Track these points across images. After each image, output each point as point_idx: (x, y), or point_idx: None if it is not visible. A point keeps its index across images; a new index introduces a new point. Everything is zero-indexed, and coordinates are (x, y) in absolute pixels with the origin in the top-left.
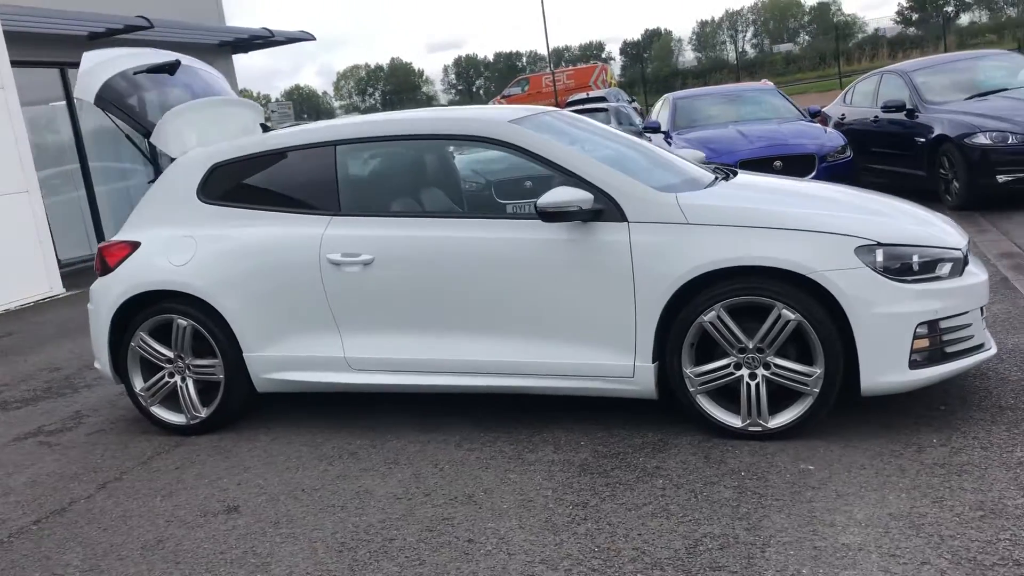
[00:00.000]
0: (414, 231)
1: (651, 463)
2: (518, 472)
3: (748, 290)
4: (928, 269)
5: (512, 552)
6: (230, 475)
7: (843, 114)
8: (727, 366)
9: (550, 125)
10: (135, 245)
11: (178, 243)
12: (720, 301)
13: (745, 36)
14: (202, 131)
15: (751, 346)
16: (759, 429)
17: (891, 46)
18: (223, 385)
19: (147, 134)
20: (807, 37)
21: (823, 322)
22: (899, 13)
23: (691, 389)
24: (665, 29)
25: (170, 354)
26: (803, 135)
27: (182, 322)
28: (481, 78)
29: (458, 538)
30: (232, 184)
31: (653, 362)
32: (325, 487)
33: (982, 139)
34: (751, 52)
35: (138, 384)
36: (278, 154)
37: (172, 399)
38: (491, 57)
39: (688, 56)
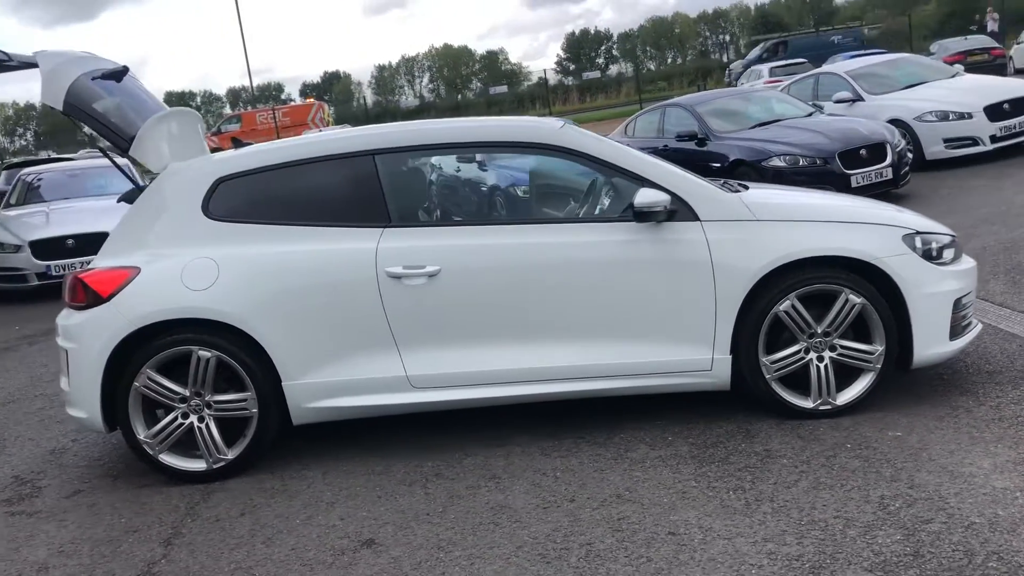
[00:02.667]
0: (484, 239)
1: (756, 448)
2: (640, 469)
3: (818, 279)
4: (941, 254)
5: (727, 536)
6: (326, 512)
7: (627, 145)
8: (798, 351)
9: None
10: (134, 270)
11: (194, 266)
12: (794, 291)
13: (422, 81)
14: (172, 144)
15: (819, 331)
16: (829, 407)
17: (579, 91)
18: (256, 420)
19: (124, 147)
20: (479, 84)
21: (882, 304)
22: (558, 63)
23: (767, 376)
24: (344, 72)
25: (184, 392)
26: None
27: (204, 354)
28: None
29: (657, 534)
30: (246, 199)
31: (730, 354)
32: (450, 507)
33: (777, 162)
34: (428, 96)
35: (142, 431)
36: (300, 166)
37: (180, 444)
38: (161, 97)
39: (369, 98)
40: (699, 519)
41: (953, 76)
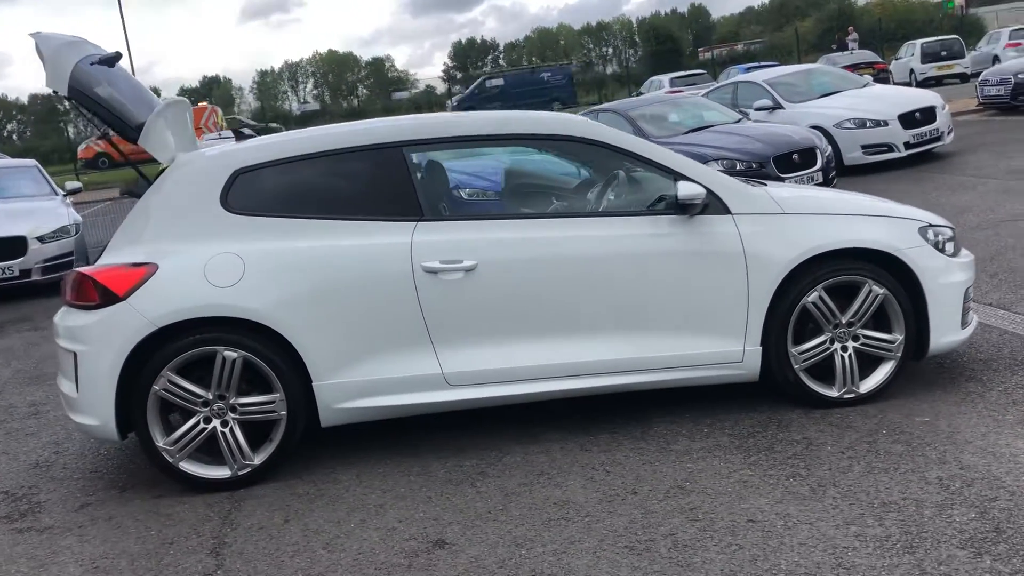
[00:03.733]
0: (521, 232)
1: (795, 436)
2: (690, 461)
3: (843, 270)
4: (946, 247)
5: (807, 521)
6: (378, 515)
7: None
8: (824, 342)
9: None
10: (151, 267)
11: (217, 261)
12: (821, 282)
13: (306, 87)
14: (175, 134)
15: (844, 321)
16: (853, 395)
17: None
18: (285, 423)
19: (133, 137)
20: (365, 91)
21: (903, 294)
22: (445, 71)
23: (796, 367)
24: (224, 76)
25: (207, 395)
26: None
27: (230, 354)
28: (13, 121)
29: (736, 522)
30: (267, 192)
31: (760, 345)
32: (510, 505)
33: (715, 166)
34: (312, 103)
35: (160, 438)
36: (324, 157)
37: (198, 450)
38: (25, 100)
39: (250, 103)
40: (772, 506)
41: (864, 86)
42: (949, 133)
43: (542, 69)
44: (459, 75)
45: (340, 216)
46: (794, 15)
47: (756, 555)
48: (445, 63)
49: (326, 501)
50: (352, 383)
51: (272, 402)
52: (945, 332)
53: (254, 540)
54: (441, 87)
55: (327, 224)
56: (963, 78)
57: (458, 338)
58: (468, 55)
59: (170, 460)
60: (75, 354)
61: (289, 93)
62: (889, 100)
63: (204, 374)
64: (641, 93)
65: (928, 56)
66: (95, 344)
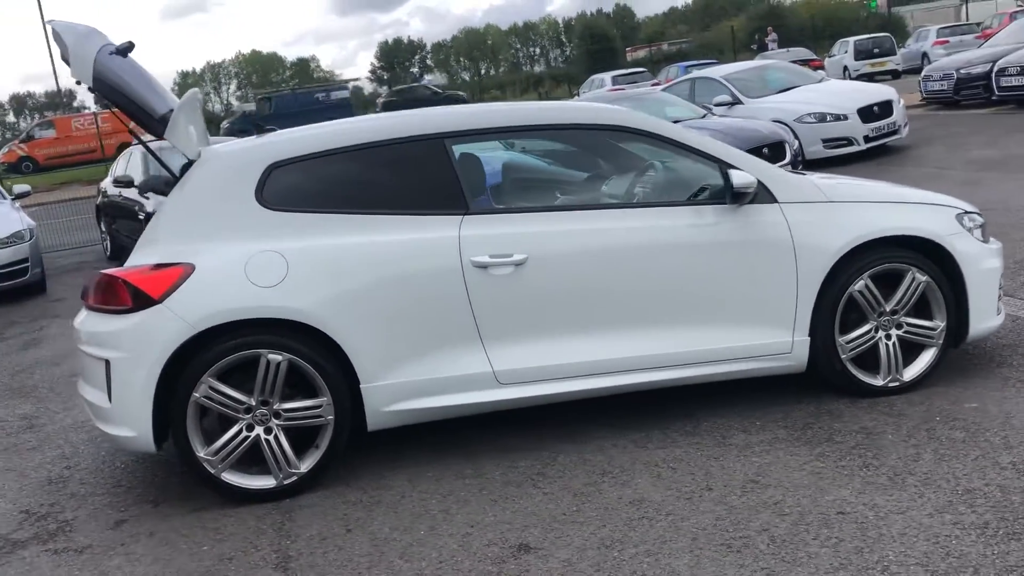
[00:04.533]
0: (570, 224)
1: (851, 427)
2: (755, 455)
3: (888, 258)
4: (979, 233)
5: (898, 511)
6: (446, 521)
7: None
8: (869, 331)
9: None
10: (187, 267)
11: (259, 259)
12: (867, 270)
13: (229, 88)
14: (196, 127)
15: (888, 309)
16: (897, 384)
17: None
18: (331, 428)
19: (159, 130)
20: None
21: (944, 281)
22: (372, 72)
23: (843, 356)
24: None
25: (250, 401)
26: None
27: (275, 357)
28: None
29: (826, 514)
30: (305, 186)
31: (808, 335)
32: (584, 506)
33: None
34: (236, 105)
35: (201, 448)
36: (362, 150)
37: (242, 459)
38: None
39: None
40: (856, 497)
41: (820, 81)
42: (905, 126)
43: (315, 89)
44: (386, 75)
45: (382, 211)
46: (719, 15)
47: (860, 547)
48: (372, 63)
49: (385, 508)
50: (400, 384)
51: (319, 406)
52: (983, 318)
53: (321, 552)
54: (369, 87)
55: (369, 219)
56: (895, 74)
57: (508, 335)
58: (395, 55)
59: (212, 471)
60: (107, 362)
61: (212, 94)
62: (847, 95)
63: (244, 379)
64: (578, 93)
65: (861, 53)
66: (130, 350)
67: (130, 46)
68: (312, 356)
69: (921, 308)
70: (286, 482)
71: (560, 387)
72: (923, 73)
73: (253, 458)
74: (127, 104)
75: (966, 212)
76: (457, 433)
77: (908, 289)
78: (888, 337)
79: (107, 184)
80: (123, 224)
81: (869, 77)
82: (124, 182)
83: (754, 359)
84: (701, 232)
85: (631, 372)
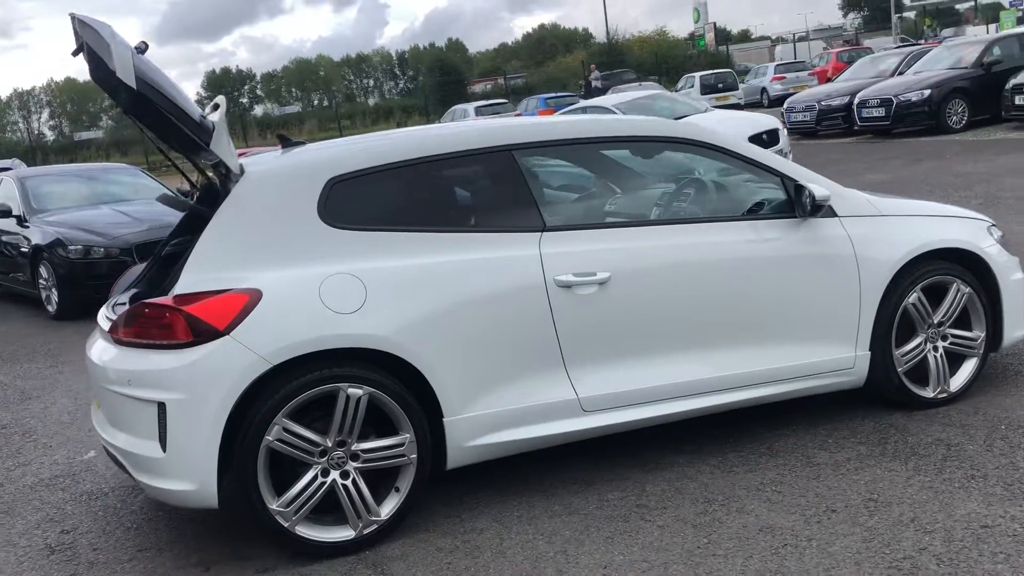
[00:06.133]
0: (652, 240)
1: (925, 439)
2: (853, 472)
3: (936, 271)
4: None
5: None
6: (570, 563)
7: None
8: (921, 343)
9: None
10: (254, 293)
11: (333, 283)
12: (919, 283)
13: (40, 117)
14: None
15: (935, 321)
16: (945, 395)
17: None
18: (415, 468)
19: (204, 140)
20: (111, 122)
21: (982, 291)
22: (199, 102)
23: (899, 369)
24: None
25: (326, 442)
26: None
27: (355, 391)
28: None
29: (972, 530)
30: (371, 203)
31: (869, 350)
32: (714, 536)
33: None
34: (49, 135)
35: (272, 499)
36: (428, 163)
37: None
38: None
39: None
40: (987, 509)
41: (706, 111)
42: (789, 154)
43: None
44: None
45: (454, 228)
46: (551, 51)
47: None
48: (199, 93)
49: (491, 554)
50: (483, 416)
51: (400, 444)
52: (1016, 327)
53: None
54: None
55: (445, 238)
56: (737, 108)
57: (591, 358)
58: (223, 85)
59: (285, 524)
60: (161, 405)
61: (20, 123)
62: (736, 124)
63: (314, 418)
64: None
65: (706, 88)
66: (191, 391)
67: (145, 47)
68: (394, 388)
69: (961, 319)
70: (366, 532)
71: (642, 413)
72: (786, 105)
73: (323, 507)
74: (170, 107)
75: (992, 224)
76: (506, 465)
77: (954, 300)
78: (935, 349)
79: None
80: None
81: None
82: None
83: (820, 376)
84: (776, 246)
85: (709, 394)
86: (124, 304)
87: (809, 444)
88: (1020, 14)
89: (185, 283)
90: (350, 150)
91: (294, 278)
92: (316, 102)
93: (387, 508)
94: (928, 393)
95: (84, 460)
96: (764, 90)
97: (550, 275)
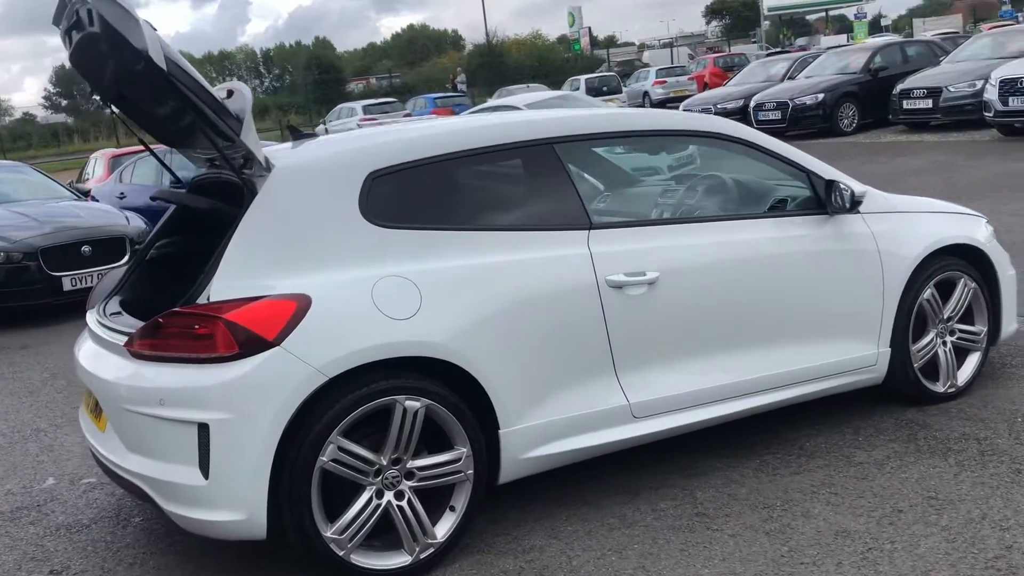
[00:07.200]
0: (697, 238)
1: (951, 435)
2: (894, 471)
3: (946, 267)
4: None
5: None
6: (670, 571)
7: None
8: (933, 338)
9: None
10: (302, 299)
11: (386, 286)
12: (932, 279)
13: None
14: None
15: (945, 316)
16: (954, 389)
17: (78, 129)
18: (471, 485)
19: (235, 130)
20: None
21: (985, 287)
22: (47, 98)
23: (915, 365)
24: None
25: (381, 460)
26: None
27: (412, 404)
28: None
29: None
30: (410, 199)
31: (889, 346)
32: (791, 543)
33: None
34: None
35: (326, 526)
36: (468, 157)
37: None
38: None
39: None
40: None
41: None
42: None
43: None
44: (64, 102)
45: (500, 226)
46: (423, 52)
47: None
48: (47, 89)
49: (566, 574)
50: (537, 426)
51: (457, 459)
52: (1010, 321)
53: None
54: (42, 114)
55: (490, 236)
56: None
57: (640, 362)
58: (73, 81)
59: (340, 553)
60: (203, 426)
61: None
62: None
63: (364, 435)
64: (323, 122)
65: (591, 91)
66: (239, 409)
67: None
68: (450, 400)
69: (965, 314)
70: (422, 556)
71: (689, 417)
72: (682, 107)
73: (372, 531)
74: (201, 92)
75: (987, 220)
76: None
77: (962, 296)
78: (944, 344)
79: None
80: None
81: None
82: None
83: (847, 374)
84: (809, 243)
85: (751, 396)
86: (119, 312)
87: (840, 443)
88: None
89: (218, 290)
90: (386, 142)
91: (343, 282)
92: None
93: (443, 529)
94: (939, 388)
95: (44, 489)
96: (646, 94)
97: (601, 275)
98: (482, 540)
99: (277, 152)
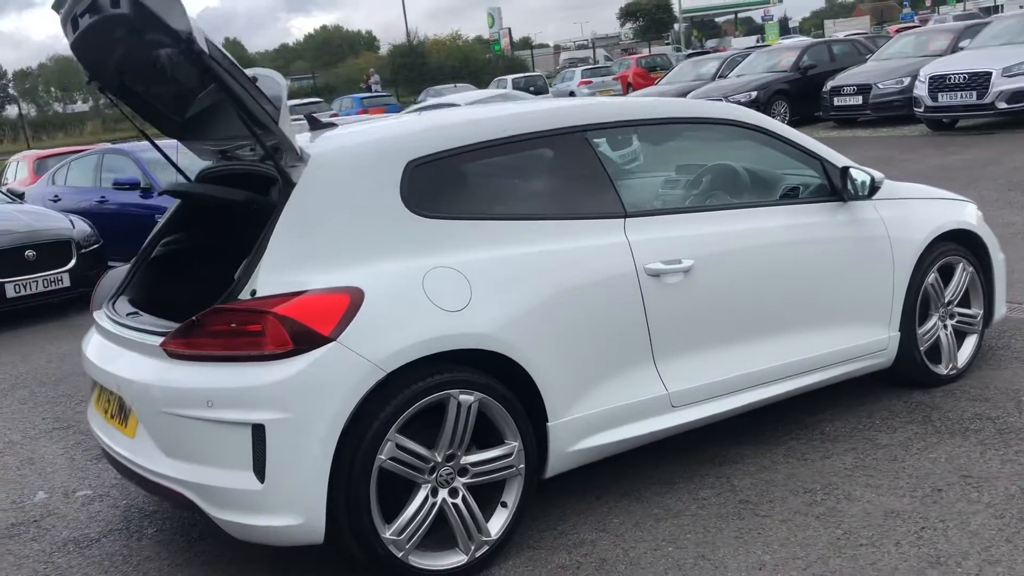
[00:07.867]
0: (730, 225)
1: (962, 416)
2: (920, 452)
3: (948, 252)
4: None
5: None
6: (717, 569)
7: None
8: (935, 322)
9: None
10: (355, 292)
11: (436, 278)
12: (936, 264)
13: None
14: None
15: (946, 300)
16: (955, 372)
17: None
18: (522, 480)
19: (272, 117)
20: None
21: (981, 271)
22: None
23: (921, 348)
24: None
25: (436, 457)
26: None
27: (466, 398)
28: None
29: None
30: (450, 188)
31: (899, 330)
32: (844, 527)
33: None
34: None
35: (384, 527)
36: (503, 145)
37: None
38: None
39: None
40: None
41: None
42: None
43: None
44: None
45: (544, 215)
46: (338, 54)
47: None
48: None
49: (626, 567)
50: (584, 418)
51: (509, 454)
52: (1001, 305)
53: None
54: None
55: (535, 226)
56: None
57: (677, 350)
58: None
59: (398, 555)
60: (258, 427)
61: None
62: None
63: (417, 431)
64: None
65: (518, 91)
66: (297, 408)
67: None
68: (502, 393)
69: (962, 298)
70: (478, 555)
71: (728, 404)
72: None
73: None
74: (239, 75)
75: (976, 206)
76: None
77: (961, 280)
78: (945, 327)
79: None
80: None
81: None
82: None
83: (861, 358)
84: (828, 229)
85: (780, 381)
86: (136, 312)
87: (860, 427)
88: (783, 21)
89: (264, 284)
90: (421, 130)
91: (393, 273)
92: (81, 102)
93: (496, 526)
94: (942, 370)
95: (36, 503)
96: (572, 93)
97: (640, 263)
98: (529, 536)
99: (330, 142)
